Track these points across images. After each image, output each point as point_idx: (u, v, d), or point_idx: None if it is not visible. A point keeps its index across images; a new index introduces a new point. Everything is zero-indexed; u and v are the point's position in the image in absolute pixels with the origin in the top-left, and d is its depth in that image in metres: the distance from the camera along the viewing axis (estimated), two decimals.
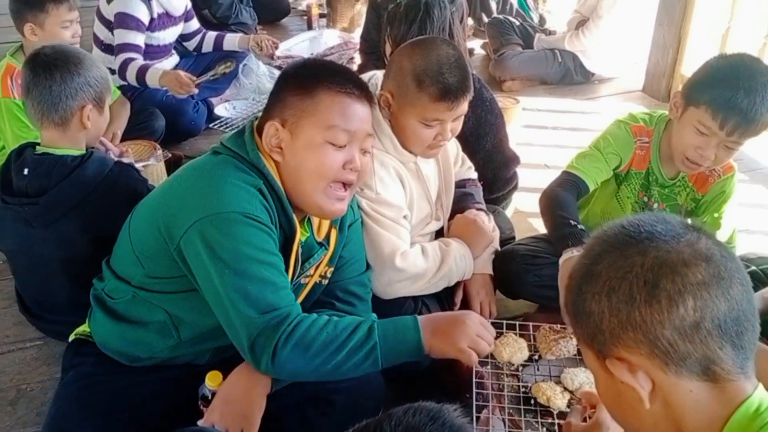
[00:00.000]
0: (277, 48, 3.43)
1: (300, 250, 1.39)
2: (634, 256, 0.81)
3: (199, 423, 1.32)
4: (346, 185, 1.36)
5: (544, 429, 1.39)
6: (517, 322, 1.66)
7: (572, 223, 1.76)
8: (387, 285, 1.67)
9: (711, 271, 0.79)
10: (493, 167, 2.32)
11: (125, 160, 2.05)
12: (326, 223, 1.48)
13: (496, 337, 1.53)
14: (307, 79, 1.34)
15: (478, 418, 1.55)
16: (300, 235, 1.38)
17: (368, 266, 1.63)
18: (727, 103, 1.60)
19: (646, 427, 0.85)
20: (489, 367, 1.52)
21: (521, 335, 1.60)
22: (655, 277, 0.78)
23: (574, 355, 1.54)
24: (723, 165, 1.84)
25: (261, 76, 3.34)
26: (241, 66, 3.41)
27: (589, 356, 0.87)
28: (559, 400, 1.42)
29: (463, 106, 1.64)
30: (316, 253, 1.45)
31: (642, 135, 1.90)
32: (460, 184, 2.01)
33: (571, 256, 1.74)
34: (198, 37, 3.43)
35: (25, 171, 1.72)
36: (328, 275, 1.53)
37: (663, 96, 3.67)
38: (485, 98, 2.28)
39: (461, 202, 1.97)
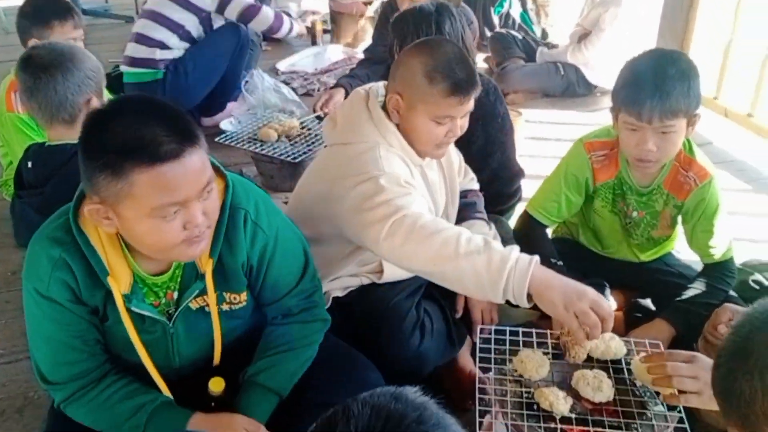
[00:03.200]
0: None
1: (136, 297, 1.34)
2: None
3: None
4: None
5: None
6: (522, 330, 1.66)
7: (552, 261, 1.84)
8: (398, 246, 1.46)
9: None
10: (499, 185, 2.34)
11: None
12: (204, 260, 1.37)
13: (514, 353, 1.54)
14: (111, 155, 1.15)
15: (481, 423, 1.56)
16: (125, 290, 1.31)
17: (301, 280, 1.53)
18: (634, 94, 1.69)
19: None
20: (492, 373, 1.52)
21: (524, 342, 1.60)
22: None
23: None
24: (696, 172, 1.84)
25: (266, 90, 3.37)
26: (243, 82, 3.46)
27: None
28: (561, 405, 1.42)
29: (472, 102, 1.66)
30: (191, 288, 1.38)
31: (596, 149, 1.93)
32: (463, 195, 2.02)
33: None
34: None
35: (29, 164, 1.77)
36: (242, 300, 1.46)
37: None
38: (497, 114, 2.29)
39: (462, 212, 1.98)
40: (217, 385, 1.42)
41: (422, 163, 1.76)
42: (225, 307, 1.46)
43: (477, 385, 1.47)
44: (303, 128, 2.95)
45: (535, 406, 1.45)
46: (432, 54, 1.63)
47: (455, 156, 1.97)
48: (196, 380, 1.44)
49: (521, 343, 1.57)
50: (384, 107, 1.71)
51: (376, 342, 1.71)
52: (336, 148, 1.76)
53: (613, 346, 1.51)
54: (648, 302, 2.07)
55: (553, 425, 1.40)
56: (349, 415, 0.77)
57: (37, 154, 1.79)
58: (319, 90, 4.00)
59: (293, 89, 3.71)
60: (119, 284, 1.30)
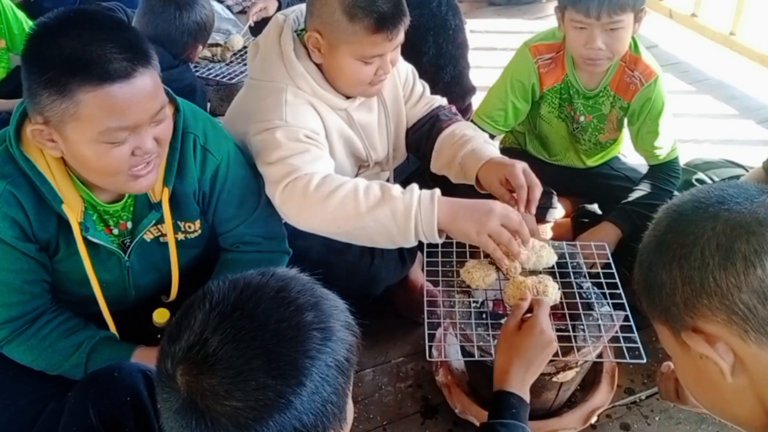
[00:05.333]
0: None
1: (90, 226, 1.27)
2: (705, 221, 0.76)
3: None
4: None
5: (496, 340, 1.40)
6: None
7: None
8: (282, 208, 1.43)
9: None
10: (450, 100, 2.27)
11: None
12: (158, 186, 1.31)
13: (461, 265, 1.52)
14: (56, 72, 1.07)
15: (432, 336, 1.57)
16: (79, 218, 1.24)
17: (256, 208, 1.48)
18: None
19: (730, 405, 0.80)
20: (441, 285, 1.51)
21: (471, 253, 1.58)
22: (729, 239, 0.73)
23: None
24: (642, 71, 1.82)
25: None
26: None
27: (665, 334, 0.82)
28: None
29: (402, 33, 1.50)
30: (146, 218, 1.33)
31: (543, 53, 1.88)
32: (429, 115, 1.81)
33: None
34: None
35: None
36: (197, 228, 1.41)
37: None
38: (449, 26, 2.20)
39: (437, 125, 1.75)
40: (161, 316, 1.39)
41: (347, 106, 1.61)
42: (180, 236, 1.40)
43: (425, 299, 1.46)
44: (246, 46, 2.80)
45: (483, 315, 1.46)
46: None
47: (399, 85, 1.76)
48: (148, 314, 1.40)
49: (468, 254, 1.56)
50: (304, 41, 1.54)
51: (325, 266, 1.67)
52: (252, 83, 1.63)
53: (544, 254, 1.51)
54: (595, 207, 2.08)
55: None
56: (207, 290, 0.79)
57: None
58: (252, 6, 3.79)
59: (228, 8, 3.51)
60: (74, 212, 1.23)
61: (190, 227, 1.42)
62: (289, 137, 1.46)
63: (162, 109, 1.18)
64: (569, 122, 1.97)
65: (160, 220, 1.35)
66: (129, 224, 1.35)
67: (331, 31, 1.46)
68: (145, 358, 1.32)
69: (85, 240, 1.27)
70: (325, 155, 1.52)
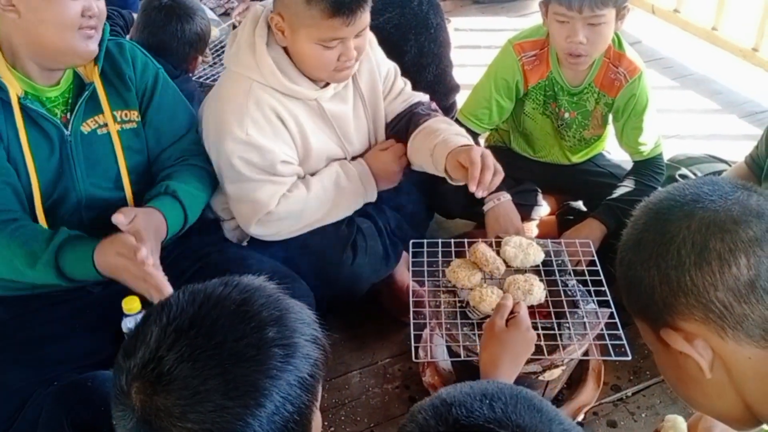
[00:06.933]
0: None
1: (33, 102, 1.35)
2: (681, 220, 0.77)
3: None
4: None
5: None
6: (453, 240, 1.64)
7: None
8: (260, 236, 1.62)
9: (763, 226, 0.74)
10: (434, 99, 2.26)
11: None
12: (89, 66, 1.42)
13: (447, 264, 1.53)
14: None
15: (418, 336, 1.56)
16: (19, 93, 1.33)
17: (187, 133, 1.59)
18: None
19: (710, 400, 0.81)
20: (427, 285, 1.51)
21: (457, 252, 1.58)
22: (704, 237, 0.74)
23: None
24: (626, 67, 1.82)
25: None
26: None
27: (646, 331, 0.83)
28: (487, 302, 1.42)
29: (364, 19, 1.48)
30: (81, 97, 1.40)
31: (527, 50, 1.87)
32: (407, 111, 1.81)
33: (494, 205, 1.80)
34: None
35: None
36: (134, 118, 1.49)
37: None
38: (430, 25, 2.17)
39: (414, 119, 1.75)
40: (130, 304, 1.30)
41: (318, 96, 1.60)
42: (118, 127, 1.46)
43: (411, 299, 1.45)
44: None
45: (469, 315, 1.45)
46: None
47: (378, 77, 1.75)
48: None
49: (453, 254, 1.55)
50: None
51: (308, 263, 1.67)
52: (225, 72, 1.63)
53: (531, 252, 1.51)
54: (580, 204, 2.09)
55: None
56: (165, 302, 0.76)
57: None
58: (235, 9, 3.78)
59: (210, 9, 3.49)
60: (13, 88, 1.32)
61: (126, 115, 1.47)
62: (248, 164, 1.53)
63: None
64: (554, 119, 1.97)
65: (98, 111, 1.43)
66: (69, 115, 1.40)
67: (290, 14, 1.46)
68: (103, 255, 1.29)
69: (25, 117, 1.33)
70: (285, 178, 1.59)
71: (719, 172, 1.95)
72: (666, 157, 1.99)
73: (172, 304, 0.75)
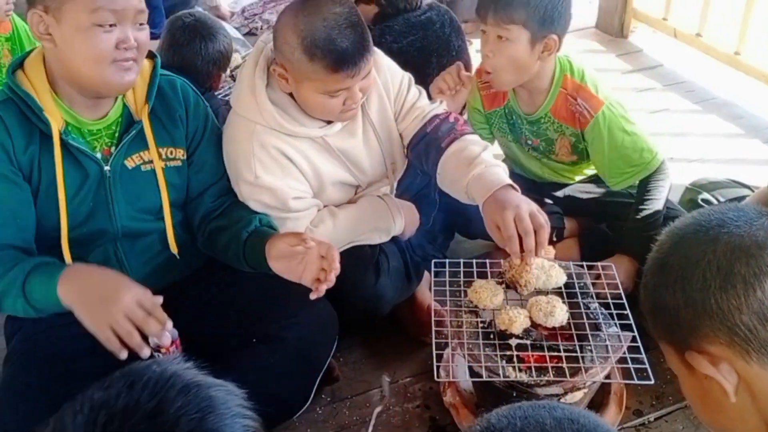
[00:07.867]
0: None
1: (74, 137, 1.37)
2: (706, 244, 0.78)
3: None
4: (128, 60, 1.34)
5: (504, 360, 1.40)
6: (475, 260, 1.65)
7: None
8: None
9: None
10: (455, 119, 2.29)
11: None
12: (140, 103, 1.44)
13: (469, 284, 1.52)
14: None
15: (440, 356, 1.56)
16: (60, 127, 1.34)
17: (221, 178, 1.59)
18: None
19: (734, 423, 0.82)
20: (448, 305, 1.52)
21: (479, 273, 1.59)
22: (729, 262, 0.76)
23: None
24: (587, 99, 1.74)
25: None
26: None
27: (670, 354, 0.84)
28: (519, 323, 1.42)
29: (368, 66, 1.48)
30: (128, 134, 1.42)
31: (484, 75, 1.80)
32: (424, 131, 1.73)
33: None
34: None
35: None
36: (179, 156, 1.50)
37: (616, 32, 3.65)
38: (452, 47, 2.20)
39: (438, 141, 1.64)
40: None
41: (324, 133, 1.59)
42: (162, 164, 1.47)
43: (433, 319, 1.46)
44: None
45: (491, 335, 1.46)
46: (308, 22, 1.41)
47: (386, 100, 1.69)
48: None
49: (475, 274, 1.56)
50: None
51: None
52: (231, 114, 1.60)
53: (553, 274, 1.51)
54: (603, 226, 2.07)
55: (509, 353, 1.41)
56: (57, 418, 0.61)
57: None
58: (261, 29, 3.85)
59: (236, 29, 3.56)
60: (55, 122, 1.33)
61: (172, 153, 1.48)
62: (263, 205, 1.56)
63: (143, 14, 1.32)
64: (522, 144, 1.96)
65: (143, 147, 1.44)
66: (113, 149, 1.41)
67: (293, 68, 1.45)
68: (68, 288, 1.27)
69: (64, 152, 1.35)
70: (300, 213, 1.61)
71: (742, 197, 1.94)
72: (688, 182, 1.98)
73: (66, 423, 0.59)
